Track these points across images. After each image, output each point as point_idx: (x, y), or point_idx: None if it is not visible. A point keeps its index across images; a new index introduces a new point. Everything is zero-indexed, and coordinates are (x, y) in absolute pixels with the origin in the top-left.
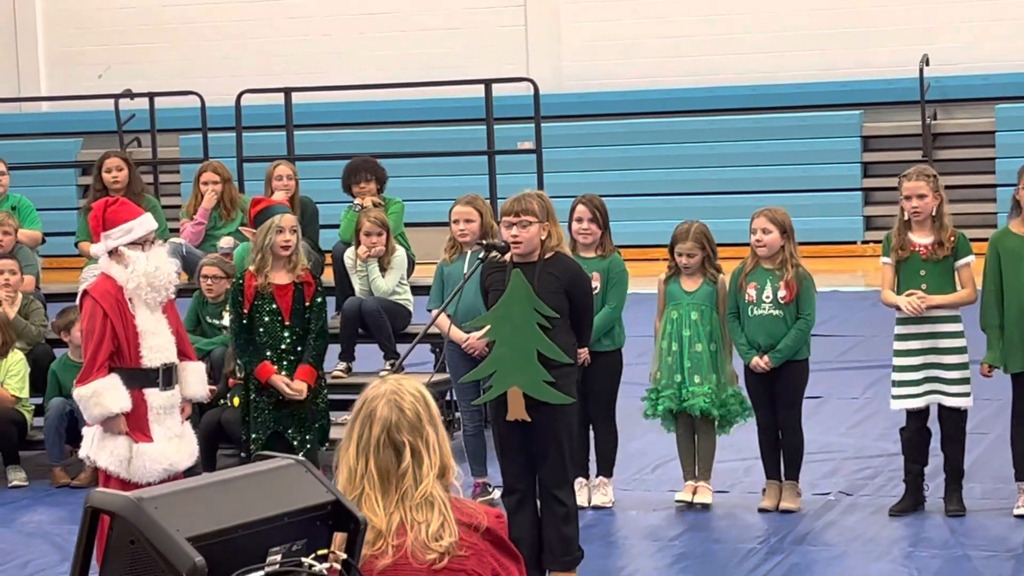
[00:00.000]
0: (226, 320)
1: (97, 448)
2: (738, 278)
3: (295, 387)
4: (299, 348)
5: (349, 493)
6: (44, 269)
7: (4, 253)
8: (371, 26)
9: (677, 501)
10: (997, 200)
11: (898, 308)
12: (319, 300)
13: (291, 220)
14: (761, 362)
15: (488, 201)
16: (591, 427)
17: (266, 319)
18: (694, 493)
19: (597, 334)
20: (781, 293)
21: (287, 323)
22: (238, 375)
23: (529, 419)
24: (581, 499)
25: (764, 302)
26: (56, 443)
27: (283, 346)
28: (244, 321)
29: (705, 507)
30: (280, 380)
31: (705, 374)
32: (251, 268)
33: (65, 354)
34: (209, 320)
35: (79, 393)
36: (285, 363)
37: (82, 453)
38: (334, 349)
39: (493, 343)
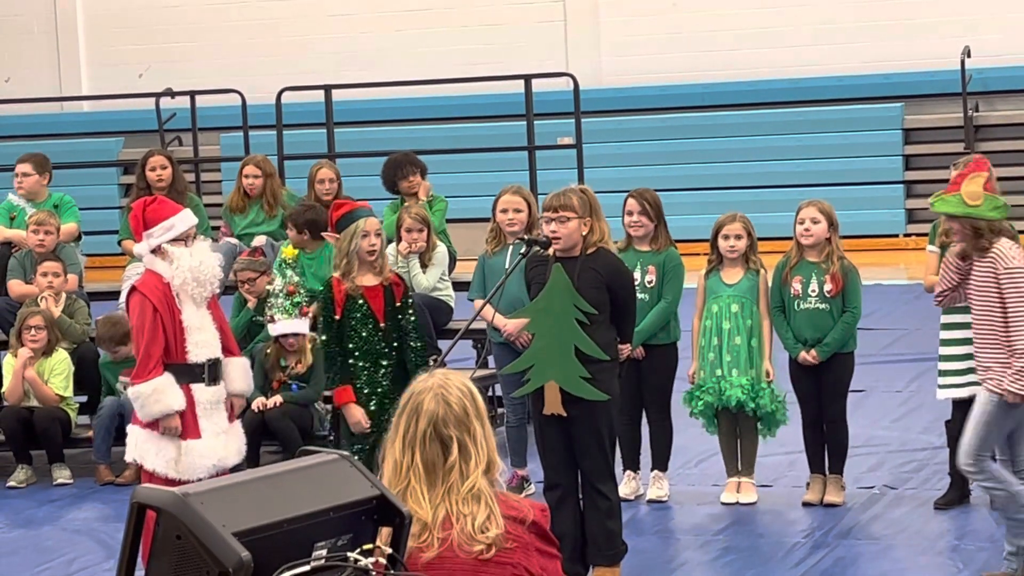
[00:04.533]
0: (281, 327)
1: (142, 450)
2: (782, 272)
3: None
4: (393, 352)
5: (395, 486)
6: (86, 268)
7: (47, 253)
8: (410, 23)
9: (723, 503)
10: None
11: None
12: (410, 300)
13: (375, 223)
14: (809, 356)
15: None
16: (646, 420)
17: (359, 324)
18: (738, 491)
19: (654, 328)
20: (827, 286)
21: (381, 325)
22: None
23: (565, 414)
24: (627, 491)
25: (810, 296)
26: (105, 440)
27: (378, 349)
28: (333, 328)
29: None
30: (356, 412)
31: (743, 368)
32: (336, 274)
33: (106, 355)
34: (255, 319)
35: (137, 391)
36: (382, 370)
37: (128, 456)
38: None
39: (533, 333)
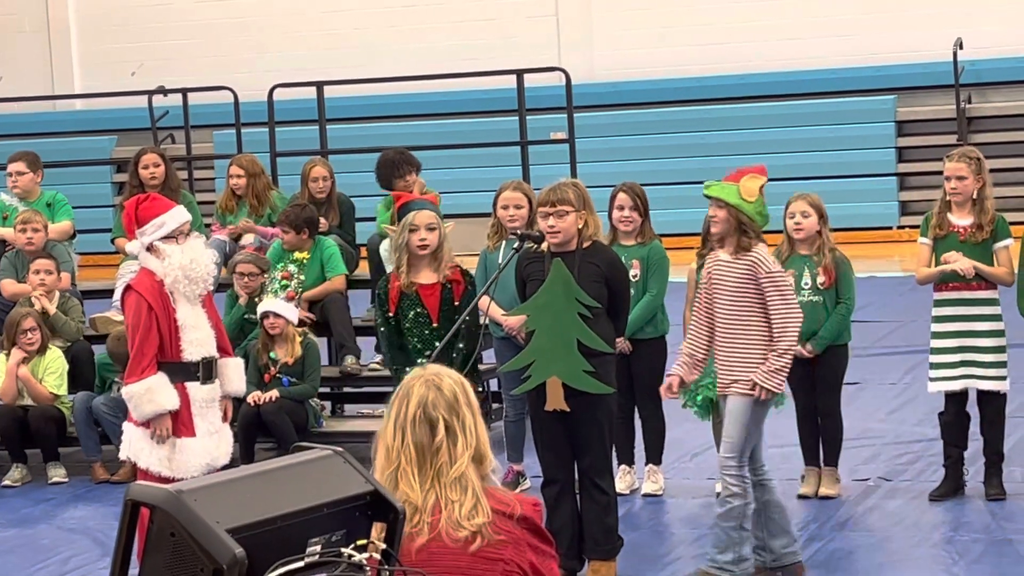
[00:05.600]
0: (266, 304)
1: (136, 449)
2: None
3: None
4: (451, 353)
5: (386, 469)
6: (80, 267)
7: (37, 250)
8: (402, 19)
9: (718, 495)
10: None
11: (936, 287)
12: (468, 299)
13: (427, 217)
14: (804, 350)
15: None
16: (638, 415)
17: (412, 323)
18: None
19: (640, 322)
20: (820, 279)
21: (435, 325)
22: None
23: (568, 409)
24: (622, 485)
25: (803, 289)
26: (90, 436)
27: (430, 352)
28: (391, 324)
29: None
30: None
31: None
32: (392, 270)
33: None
34: (247, 317)
35: (130, 390)
36: None
37: (122, 455)
38: (371, 341)
39: (531, 329)
